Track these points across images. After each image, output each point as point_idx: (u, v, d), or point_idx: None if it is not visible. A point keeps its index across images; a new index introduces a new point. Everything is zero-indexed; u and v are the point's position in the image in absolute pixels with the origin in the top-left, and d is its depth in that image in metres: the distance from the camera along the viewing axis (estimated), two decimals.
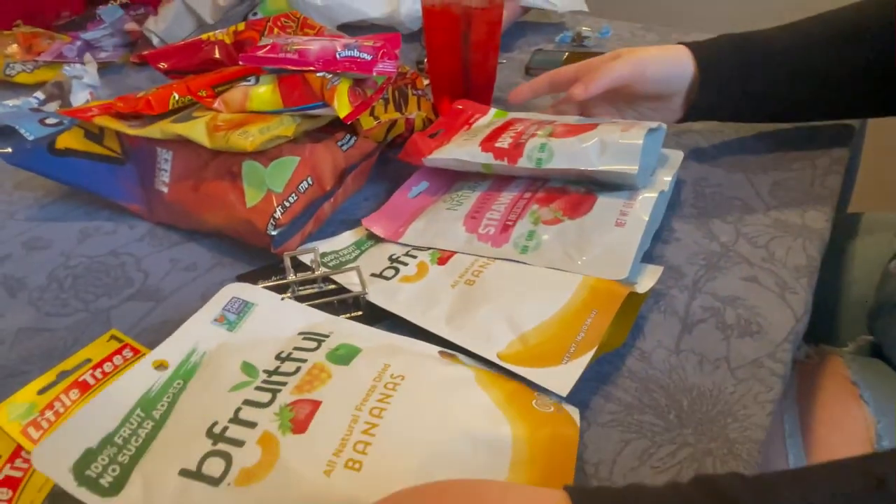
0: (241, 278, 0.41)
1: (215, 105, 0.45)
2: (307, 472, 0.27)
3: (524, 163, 0.44)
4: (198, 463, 0.28)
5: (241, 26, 0.58)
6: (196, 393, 0.32)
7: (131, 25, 0.78)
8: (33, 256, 0.45)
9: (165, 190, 0.45)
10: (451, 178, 0.51)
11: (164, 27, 0.72)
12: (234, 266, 0.44)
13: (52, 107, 0.63)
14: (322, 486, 0.27)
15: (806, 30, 0.50)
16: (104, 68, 0.73)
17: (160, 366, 0.33)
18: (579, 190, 0.44)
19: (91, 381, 0.36)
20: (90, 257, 0.45)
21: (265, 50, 0.45)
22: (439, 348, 0.35)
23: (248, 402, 0.30)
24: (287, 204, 0.42)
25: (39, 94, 0.64)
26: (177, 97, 0.45)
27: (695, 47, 0.50)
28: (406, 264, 0.41)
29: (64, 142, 0.47)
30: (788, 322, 0.37)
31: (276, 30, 0.58)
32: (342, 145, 0.48)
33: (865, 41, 0.49)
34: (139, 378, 0.32)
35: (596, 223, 0.41)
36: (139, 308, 0.41)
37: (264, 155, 0.43)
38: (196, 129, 0.42)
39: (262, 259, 0.44)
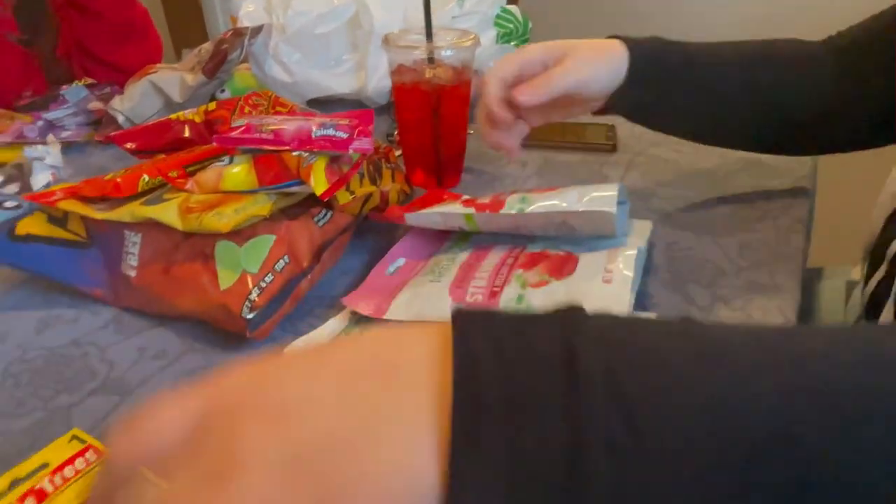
0: None
1: (187, 186, 0.44)
2: None
3: (507, 210, 0.45)
4: None
5: (213, 105, 0.58)
6: None
7: (95, 104, 0.77)
8: None
9: (133, 274, 0.43)
10: (428, 252, 0.51)
11: (130, 106, 0.72)
12: (206, 352, 0.42)
13: (12, 189, 0.61)
14: None
15: (727, 51, 0.52)
16: (66, 147, 0.71)
17: None
18: (559, 252, 0.45)
19: (49, 487, 0.33)
20: (49, 349, 0.42)
21: (240, 131, 0.45)
22: None
23: None
24: (263, 284, 0.41)
25: None
26: (147, 179, 0.44)
27: (631, 46, 0.50)
28: None
29: (25, 227, 0.45)
30: None
31: (247, 108, 0.59)
32: (318, 221, 0.47)
33: (776, 74, 0.51)
34: None
35: (583, 282, 0.42)
36: (104, 403, 0.38)
37: (239, 234, 0.42)
38: (168, 212, 0.41)
39: (237, 343, 0.42)
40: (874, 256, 0.50)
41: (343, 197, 0.49)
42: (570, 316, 0.20)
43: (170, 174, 0.45)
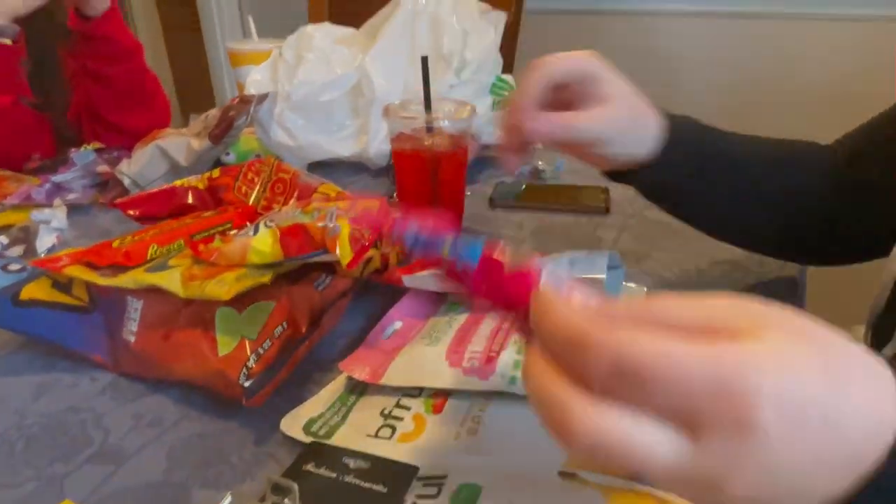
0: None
1: (213, 258, 0.43)
2: None
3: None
4: None
5: (216, 172, 0.60)
6: None
7: (103, 167, 0.79)
8: None
9: (133, 339, 0.44)
10: (425, 313, 0.51)
11: (136, 170, 0.74)
12: (202, 420, 0.42)
13: (16, 251, 0.62)
14: None
15: (756, 145, 0.51)
16: (72, 209, 0.73)
17: None
18: None
19: None
20: (46, 415, 0.42)
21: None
22: (559, 468, 0.34)
23: None
24: (261, 351, 0.41)
25: (3, 239, 0.64)
26: (156, 248, 0.45)
27: (673, 125, 0.47)
28: (401, 419, 0.40)
29: (29, 293, 0.46)
30: None
31: (250, 174, 0.61)
32: (318, 286, 0.48)
33: (808, 174, 0.50)
34: None
35: None
36: (97, 473, 0.38)
37: (239, 301, 0.43)
38: (170, 279, 0.42)
39: (232, 410, 0.42)
40: (880, 329, 0.50)
41: (346, 258, 0.50)
42: None
43: (199, 248, 0.44)
